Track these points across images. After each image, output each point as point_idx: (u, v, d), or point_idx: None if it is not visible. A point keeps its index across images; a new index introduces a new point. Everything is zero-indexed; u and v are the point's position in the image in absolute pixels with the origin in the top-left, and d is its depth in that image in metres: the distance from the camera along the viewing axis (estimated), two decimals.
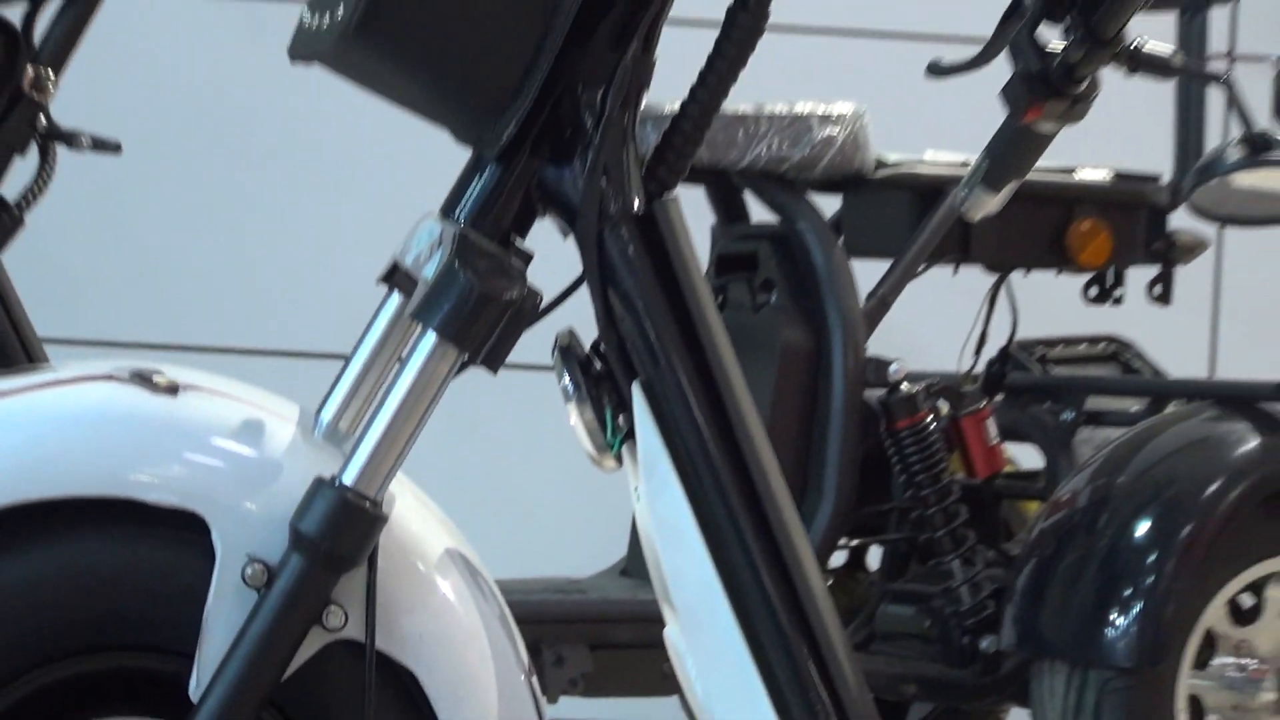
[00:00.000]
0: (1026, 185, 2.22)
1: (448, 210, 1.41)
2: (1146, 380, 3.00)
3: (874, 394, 2.75)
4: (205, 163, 3.92)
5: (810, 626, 1.45)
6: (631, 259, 1.41)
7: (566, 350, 1.46)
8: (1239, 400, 2.71)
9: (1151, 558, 2.59)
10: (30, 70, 2.45)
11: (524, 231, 1.45)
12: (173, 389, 1.41)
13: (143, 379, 1.43)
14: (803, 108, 2.83)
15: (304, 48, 1.43)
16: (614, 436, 1.47)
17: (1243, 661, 2.62)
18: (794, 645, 1.44)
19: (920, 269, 2.85)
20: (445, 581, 1.54)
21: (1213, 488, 2.55)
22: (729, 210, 3.06)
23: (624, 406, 1.43)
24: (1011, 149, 1.81)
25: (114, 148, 2.56)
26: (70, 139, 2.55)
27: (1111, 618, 2.56)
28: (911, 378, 2.73)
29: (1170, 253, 2.96)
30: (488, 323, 1.39)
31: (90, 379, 1.46)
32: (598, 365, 1.45)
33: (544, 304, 1.43)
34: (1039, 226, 2.89)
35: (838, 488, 2.79)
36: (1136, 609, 2.55)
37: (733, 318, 2.96)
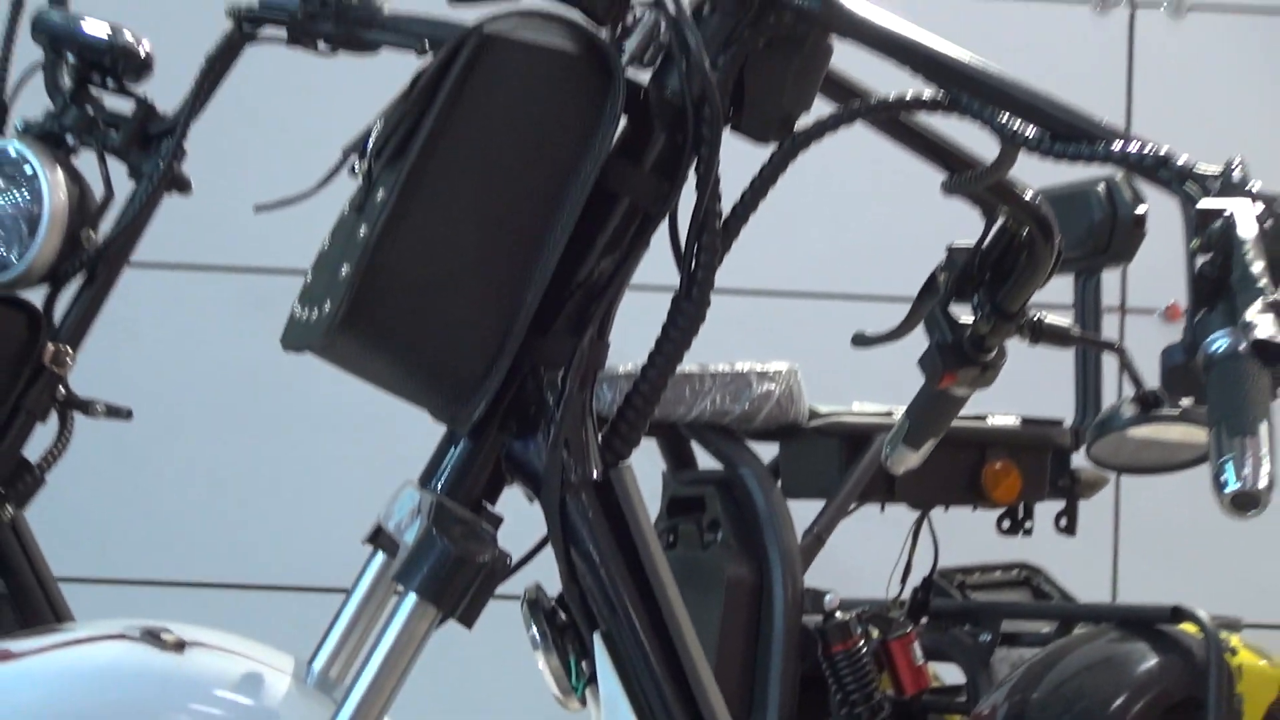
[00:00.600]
0: (950, 435, 2.37)
1: (425, 480, 1.52)
2: (1056, 605, 3.11)
3: (811, 620, 2.81)
4: (211, 423, 4.04)
5: None
6: (591, 521, 1.50)
7: (534, 603, 1.57)
8: (1138, 622, 2.81)
9: None
10: (51, 346, 2.55)
11: (494, 498, 1.55)
12: (179, 646, 1.51)
13: (152, 636, 1.52)
14: (742, 366, 2.91)
15: (295, 338, 1.52)
16: (578, 680, 1.57)
17: None
18: None
19: (851, 508, 2.96)
20: None
21: (1117, 703, 2.65)
22: (678, 458, 3.17)
23: (586, 654, 1.53)
24: (929, 411, 2.08)
25: (126, 414, 2.66)
26: (86, 407, 2.63)
27: None
28: (845, 606, 2.80)
29: (1074, 488, 3.10)
30: (463, 583, 1.48)
31: (104, 638, 1.55)
32: (562, 616, 1.56)
33: (513, 563, 1.53)
34: (956, 468, 3.00)
35: (780, 706, 2.88)
36: None
37: (683, 554, 3.08)
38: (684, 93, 1.53)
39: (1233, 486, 1.21)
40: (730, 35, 1.57)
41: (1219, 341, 1.30)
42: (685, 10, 1.51)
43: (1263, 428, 1.25)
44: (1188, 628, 2.71)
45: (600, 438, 1.54)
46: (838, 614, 2.83)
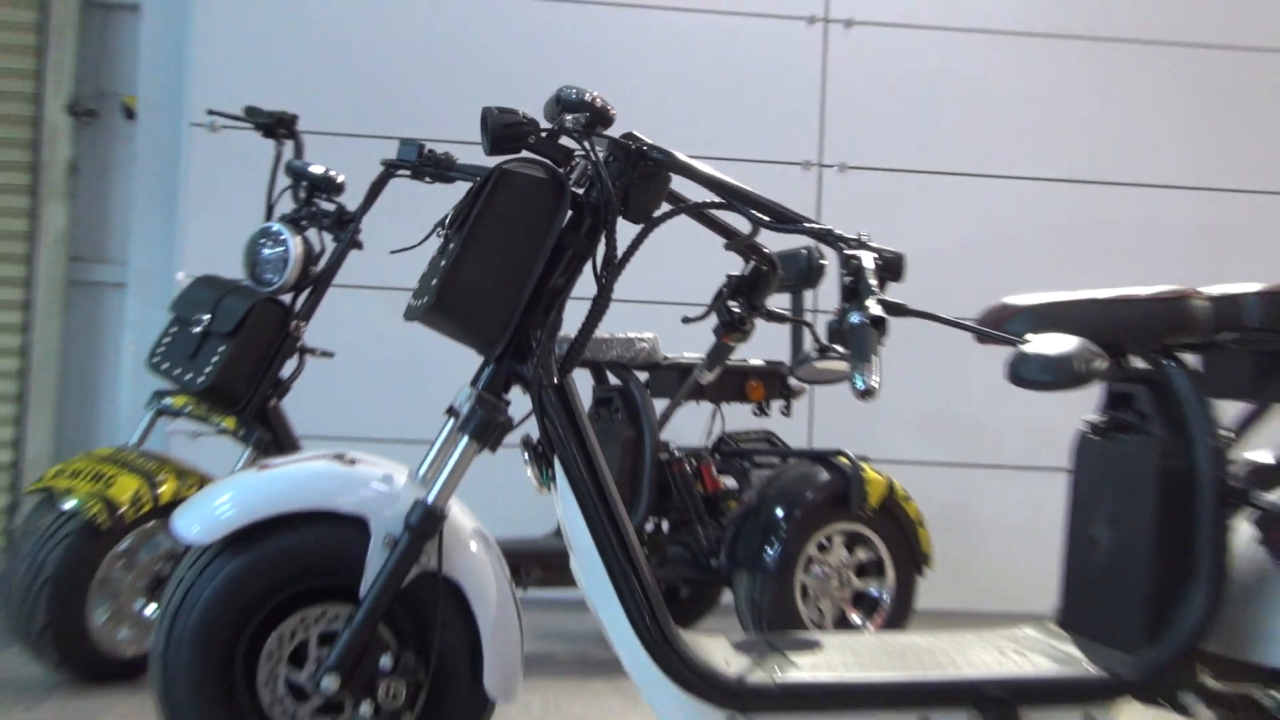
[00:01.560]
0: (728, 367, 3.21)
1: (474, 382, 1.96)
2: (780, 449, 3.71)
3: (664, 456, 3.50)
4: (372, 364, 3.89)
5: (632, 557, 1.94)
6: (553, 402, 1.94)
7: (526, 442, 1.98)
8: (820, 457, 3.46)
9: (784, 523, 3.26)
10: (294, 322, 3.17)
11: (507, 391, 1.97)
12: (352, 462, 1.97)
13: (338, 457, 1.98)
14: (631, 334, 3.62)
15: (410, 315, 1.96)
16: (548, 480, 1.99)
17: (824, 569, 3.37)
18: (623, 565, 1.93)
19: (682, 403, 3.61)
20: (472, 541, 1.97)
21: (808, 492, 3.31)
22: (598, 378, 3.83)
23: (551, 467, 1.96)
24: (716, 354, 2.79)
25: (330, 355, 3.35)
26: (313, 351, 3.25)
27: (768, 550, 3.26)
28: (680, 449, 3.55)
29: (789, 394, 3.80)
30: (490, 432, 1.92)
31: (315, 458, 1.98)
32: (539, 449, 1.98)
33: (515, 423, 1.95)
34: (734, 384, 3.69)
35: (647, 498, 3.47)
36: (778, 546, 3.25)
37: (601, 424, 3.67)
38: (599, 200, 1.95)
39: (861, 388, 1.68)
40: (621, 172, 1.96)
41: (854, 316, 1.73)
42: (600, 162, 1.93)
43: (874, 359, 1.69)
44: (844, 460, 3.41)
45: (557, 364, 1.95)
46: (676, 453, 3.55)
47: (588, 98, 1.96)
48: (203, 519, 1.89)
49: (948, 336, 4.71)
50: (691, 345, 4.03)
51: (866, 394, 1.74)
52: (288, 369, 3.24)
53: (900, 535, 3.51)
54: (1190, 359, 2.21)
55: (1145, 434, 2.16)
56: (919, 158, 4.96)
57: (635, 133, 2.00)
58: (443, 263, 1.93)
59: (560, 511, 1.97)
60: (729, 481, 3.68)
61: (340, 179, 3.31)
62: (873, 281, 1.81)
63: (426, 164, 3.16)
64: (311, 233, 3.29)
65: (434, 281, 1.91)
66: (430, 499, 1.91)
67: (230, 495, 1.91)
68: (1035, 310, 2.16)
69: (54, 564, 2.83)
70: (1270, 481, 2.13)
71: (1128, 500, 2.15)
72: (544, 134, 1.98)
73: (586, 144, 1.97)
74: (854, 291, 1.82)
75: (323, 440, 4.29)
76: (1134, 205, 5.06)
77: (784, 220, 1.96)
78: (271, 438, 3.20)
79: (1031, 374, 1.82)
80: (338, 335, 3.85)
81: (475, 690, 1.95)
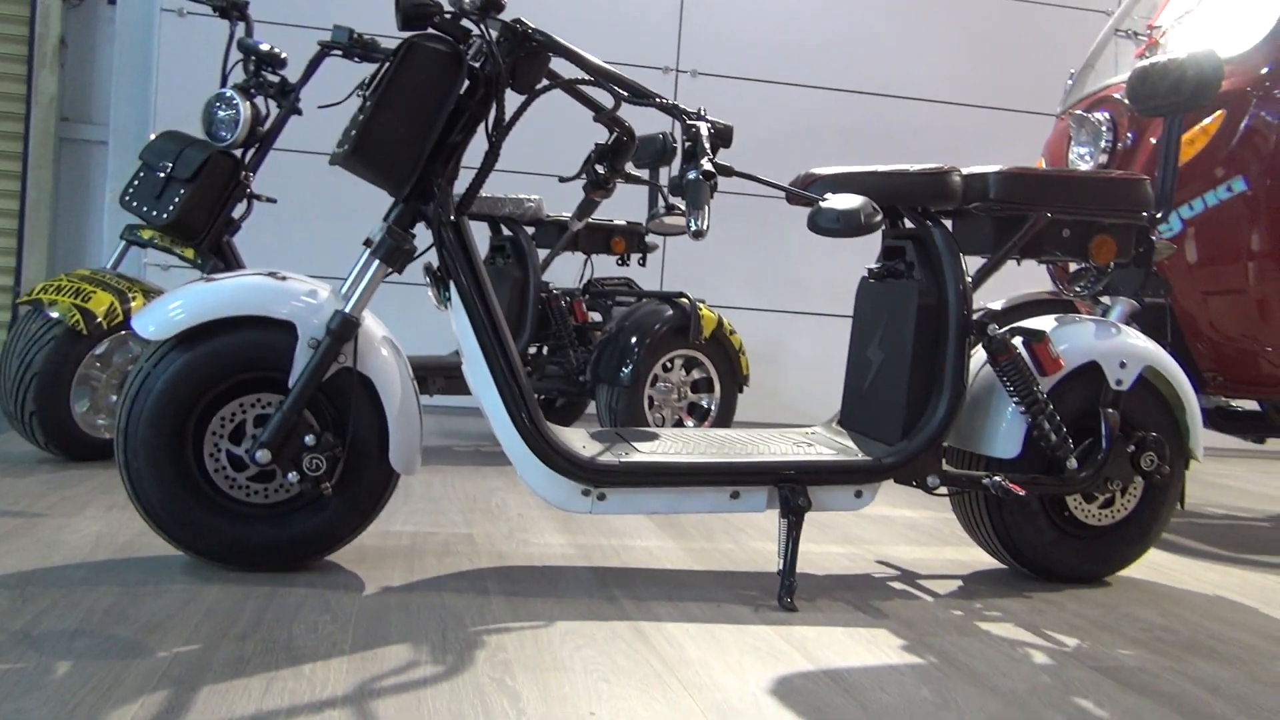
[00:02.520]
0: (596, 225, 3.17)
1: (385, 218, 1.92)
2: (637, 291, 3.70)
3: (557, 291, 3.52)
4: (307, 206, 4.46)
5: (510, 361, 1.92)
6: (451, 237, 1.91)
7: (427, 268, 1.97)
8: (667, 298, 3.45)
9: (636, 348, 3.29)
10: (243, 172, 3.04)
11: (413, 226, 1.93)
12: (284, 279, 1.91)
13: (272, 275, 1.92)
14: (520, 196, 3.61)
15: (334, 159, 1.89)
16: (445, 299, 1.95)
17: (667, 385, 3.44)
18: (503, 367, 1.91)
19: (561, 252, 3.61)
20: (382, 346, 1.93)
21: (656, 326, 3.33)
22: (494, 230, 3.75)
23: (447, 289, 1.93)
24: (585, 207, 2.55)
25: (273, 200, 3.23)
26: (258, 197, 3.11)
27: (624, 369, 3.28)
28: (557, 289, 3.54)
29: (645, 250, 3.77)
30: (397, 258, 1.89)
31: (253, 274, 1.91)
32: (438, 274, 1.95)
33: (416, 253, 1.91)
34: (603, 236, 3.68)
35: (530, 327, 3.51)
36: (632, 366, 3.28)
37: (494, 269, 3.64)
38: (491, 73, 1.91)
39: (694, 228, 1.72)
40: (510, 50, 1.91)
41: (691, 173, 1.77)
42: (493, 41, 1.89)
43: (706, 208, 1.73)
44: (685, 300, 3.44)
45: (454, 206, 1.93)
46: (554, 290, 3.55)
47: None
48: (158, 319, 1.83)
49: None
50: (569, 207, 4.08)
51: (698, 235, 1.74)
52: (239, 212, 3.10)
53: (726, 360, 3.54)
54: (947, 222, 2.23)
55: (910, 279, 2.17)
56: (756, 67, 4.94)
57: (522, 19, 1.93)
58: (360, 118, 1.86)
59: (454, 325, 1.94)
60: (596, 316, 3.68)
61: (283, 55, 3.14)
62: (707, 146, 1.81)
63: (355, 46, 3.06)
64: (260, 100, 3.11)
65: (352, 133, 1.85)
66: (348, 309, 1.88)
67: (182, 301, 1.85)
68: (833, 178, 2.15)
69: (40, 362, 2.73)
70: (1000, 321, 2.17)
71: (894, 330, 2.17)
72: (446, 15, 1.90)
73: (482, 25, 1.90)
74: (692, 154, 1.82)
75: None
76: (913, 114, 5.12)
77: (640, 96, 1.93)
78: (224, 268, 3.08)
79: (826, 223, 1.82)
80: (281, 188, 3.80)
81: (383, 465, 1.94)
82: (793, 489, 2.01)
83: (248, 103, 3.05)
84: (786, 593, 1.95)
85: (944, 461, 2.14)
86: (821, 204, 1.84)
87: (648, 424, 3.40)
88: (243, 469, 1.90)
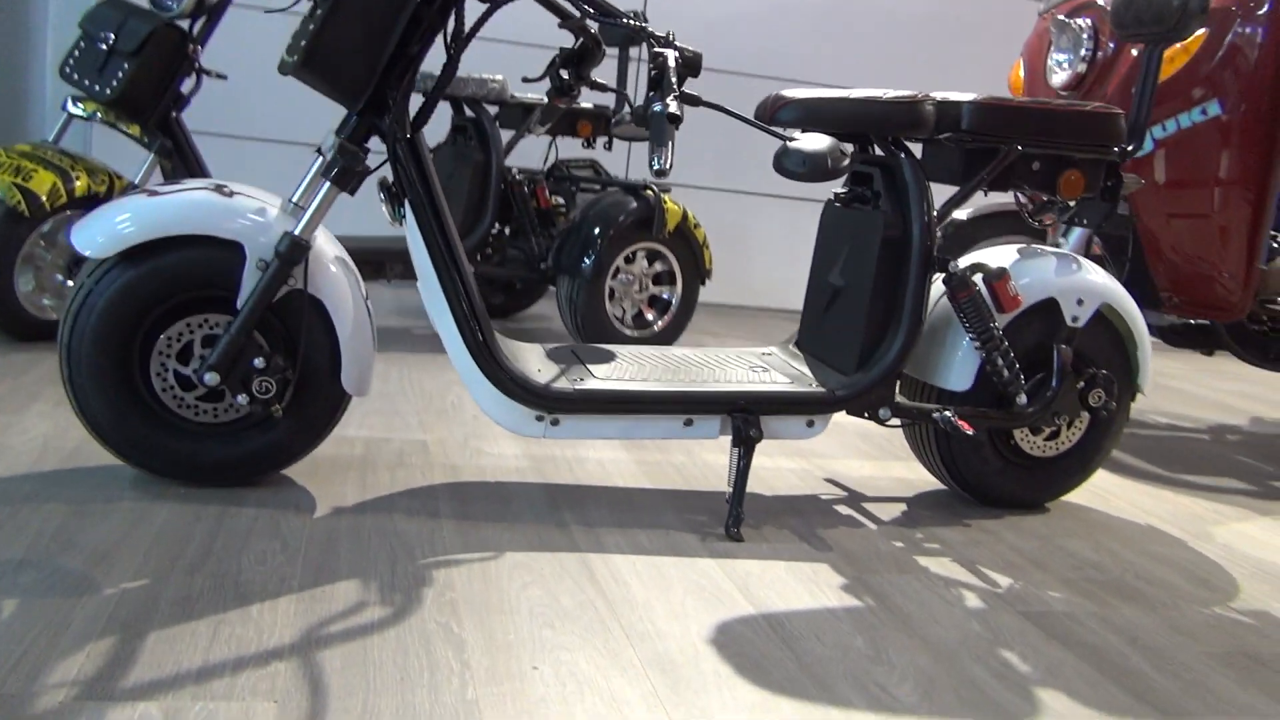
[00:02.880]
0: (572, 112, 3.09)
1: (338, 131, 1.84)
2: (602, 179, 3.60)
3: (523, 177, 3.46)
4: (264, 82, 4.00)
5: (464, 284, 1.89)
6: (407, 153, 1.85)
7: (381, 183, 1.91)
8: (632, 188, 3.42)
9: (599, 239, 3.28)
10: (191, 46, 2.91)
11: (366, 141, 1.86)
12: (230, 194, 1.84)
13: (219, 188, 1.85)
14: (484, 76, 3.48)
15: (283, 68, 1.79)
16: (399, 216, 1.90)
17: (628, 277, 3.41)
18: (457, 290, 1.88)
19: (526, 134, 3.53)
20: (333, 265, 1.88)
21: (620, 216, 3.30)
22: (457, 110, 3.68)
23: (402, 206, 1.88)
24: (547, 113, 2.76)
25: (224, 77, 3.13)
26: (208, 72, 3.02)
27: (586, 259, 3.28)
28: (521, 172, 3.46)
29: (611, 134, 3.63)
30: (349, 176, 1.83)
31: (198, 189, 1.84)
32: (393, 190, 1.90)
33: (373, 168, 1.84)
34: (568, 123, 3.58)
35: (492, 210, 3.45)
36: (594, 256, 3.27)
37: (456, 149, 3.56)
38: None
39: (656, 167, 1.68)
40: None
41: (655, 106, 1.71)
42: None
43: (669, 144, 1.68)
44: (649, 192, 3.40)
45: (410, 120, 1.87)
46: (517, 175, 3.50)
47: None
48: (102, 234, 1.77)
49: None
50: (534, 89, 3.96)
51: (660, 174, 1.70)
52: (188, 87, 2.97)
53: (690, 254, 3.53)
54: (917, 149, 2.19)
55: (876, 208, 2.13)
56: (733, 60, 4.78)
57: None
58: (310, 26, 1.76)
59: (409, 243, 1.90)
60: (559, 201, 3.61)
61: None
62: (674, 79, 1.74)
63: None
64: None
65: (302, 42, 1.75)
66: (297, 230, 1.82)
67: (127, 216, 1.78)
68: (802, 103, 2.08)
69: None
70: (966, 239, 2.14)
71: (857, 258, 2.15)
72: None
73: None
74: (657, 84, 1.75)
75: (219, 137, 4.24)
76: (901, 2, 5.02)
77: (606, 14, 1.85)
78: (173, 145, 2.98)
79: (793, 165, 1.78)
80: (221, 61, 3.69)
81: (334, 386, 1.92)
82: (745, 418, 2.02)
83: None
84: (734, 522, 1.98)
85: (898, 391, 2.16)
86: (789, 144, 1.79)
87: (608, 316, 3.42)
88: (191, 389, 1.88)
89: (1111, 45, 3.05)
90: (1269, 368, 3.21)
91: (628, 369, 2.11)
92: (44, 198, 2.69)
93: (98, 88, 2.83)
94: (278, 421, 1.91)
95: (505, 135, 4.04)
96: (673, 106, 1.70)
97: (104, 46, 2.84)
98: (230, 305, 1.85)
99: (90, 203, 2.80)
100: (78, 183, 2.77)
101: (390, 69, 1.83)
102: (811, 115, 2.07)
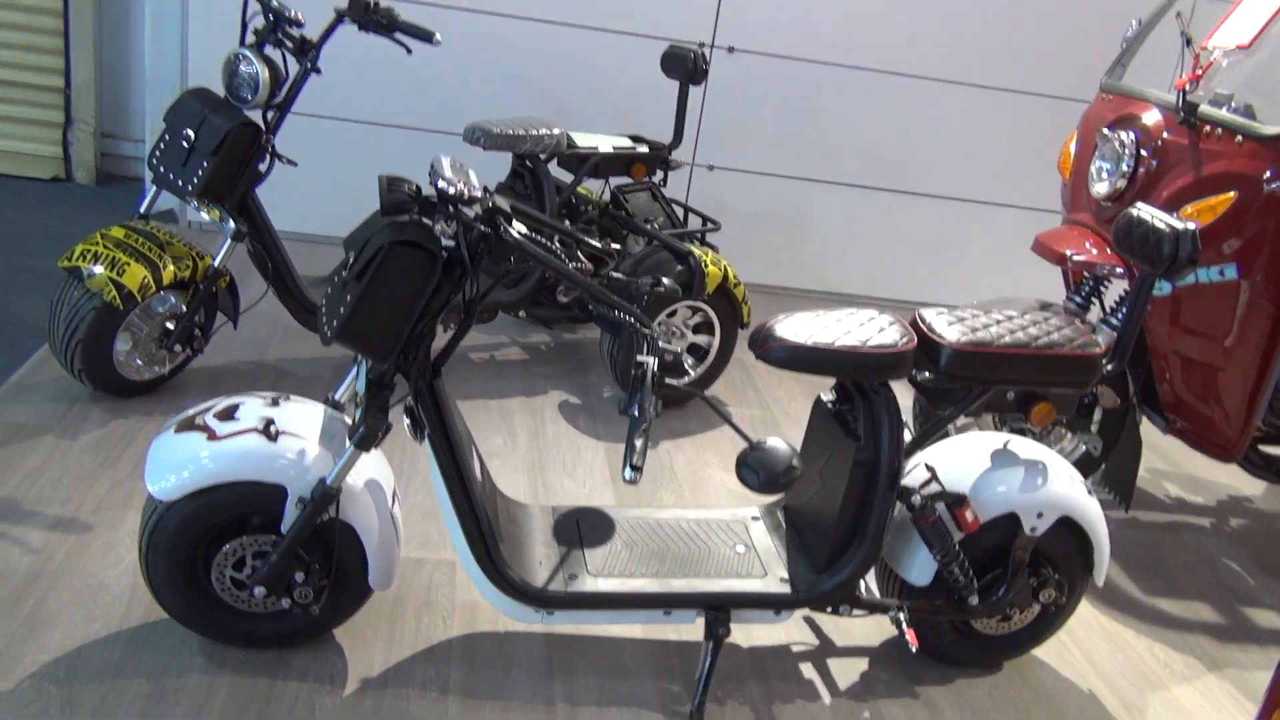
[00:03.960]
0: (617, 152, 3.19)
1: (365, 372, 2.03)
2: (651, 230, 3.83)
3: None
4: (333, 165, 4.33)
5: (476, 511, 2.08)
6: (428, 396, 2.03)
7: (408, 410, 2.05)
8: (678, 252, 3.76)
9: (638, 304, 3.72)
10: (265, 135, 3.13)
11: (393, 378, 2.02)
12: (276, 436, 2.07)
13: (266, 430, 2.08)
14: (541, 131, 3.56)
15: (324, 338, 1.95)
16: (420, 439, 2.07)
17: (670, 328, 3.60)
18: (471, 517, 2.09)
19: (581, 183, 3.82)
20: (362, 496, 2.11)
21: (666, 279, 3.72)
22: (516, 159, 3.80)
23: (423, 431, 2.06)
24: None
25: (294, 163, 3.25)
26: (281, 157, 3.20)
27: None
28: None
29: (667, 169, 3.90)
30: (374, 441, 2.10)
31: (249, 432, 2.07)
32: (419, 419, 2.06)
33: (405, 402, 2.04)
34: (626, 166, 3.82)
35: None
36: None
37: (512, 192, 3.90)
38: (463, 261, 2.00)
39: (629, 477, 1.79)
40: (472, 252, 1.97)
41: (633, 410, 1.86)
42: (463, 240, 1.94)
43: (643, 445, 1.81)
44: (691, 258, 3.54)
45: (431, 366, 2.06)
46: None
47: (448, 188, 1.91)
48: (165, 482, 2.05)
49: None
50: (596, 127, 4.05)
51: (631, 481, 1.85)
52: (263, 167, 3.20)
53: (729, 308, 3.67)
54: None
55: (853, 433, 2.28)
56: (799, 46, 4.80)
57: (498, 205, 1.95)
58: (344, 303, 1.94)
59: (430, 471, 2.13)
60: (612, 245, 3.70)
61: (300, 15, 3.12)
62: (651, 386, 1.91)
63: (370, 17, 3.05)
64: (278, 55, 3.15)
65: (339, 313, 1.93)
66: (329, 480, 2.07)
67: (189, 466, 2.05)
68: (791, 347, 2.17)
69: (83, 331, 3.01)
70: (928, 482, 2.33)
71: (834, 468, 2.31)
72: (420, 208, 1.95)
73: (452, 223, 1.97)
74: (638, 388, 1.91)
75: (288, 236, 4.53)
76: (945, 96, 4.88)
77: (605, 303, 2.00)
78: (249, 227, 3.23)
79: (747, 477, 1.98)
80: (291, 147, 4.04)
81: (362, 583, 2.23)
82: (717, 615, 2.30)
83: (265, 66, 3.07)
84: (697, 711, 2.29)
85: (863, 585, 2.40)
86: (750, 450, 1.98)
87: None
88: (245, 589, 2.22)
89: (1155, 163, 3.05)
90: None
91: (618, 559, 2.36)
92: (136, 291, 3.01)
93: (180, 183, 3.09)
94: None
95: (564, 174, 4.14)
96: (650, 412, 1.89)
97: (185, 145, 3.08)
98: (276, 525, 2.15)
99: (177, 288, 3.12)
100: (165, 272, 3.07)
101: (415, 326, 2.01)
102: (799, 359, 2.18)
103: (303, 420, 2.18)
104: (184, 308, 3.16)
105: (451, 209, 1.95)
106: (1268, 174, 2.74)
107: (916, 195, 5.13)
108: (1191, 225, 2.23)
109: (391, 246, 1.93)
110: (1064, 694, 2.58)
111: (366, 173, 4.68)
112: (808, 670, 2.53)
